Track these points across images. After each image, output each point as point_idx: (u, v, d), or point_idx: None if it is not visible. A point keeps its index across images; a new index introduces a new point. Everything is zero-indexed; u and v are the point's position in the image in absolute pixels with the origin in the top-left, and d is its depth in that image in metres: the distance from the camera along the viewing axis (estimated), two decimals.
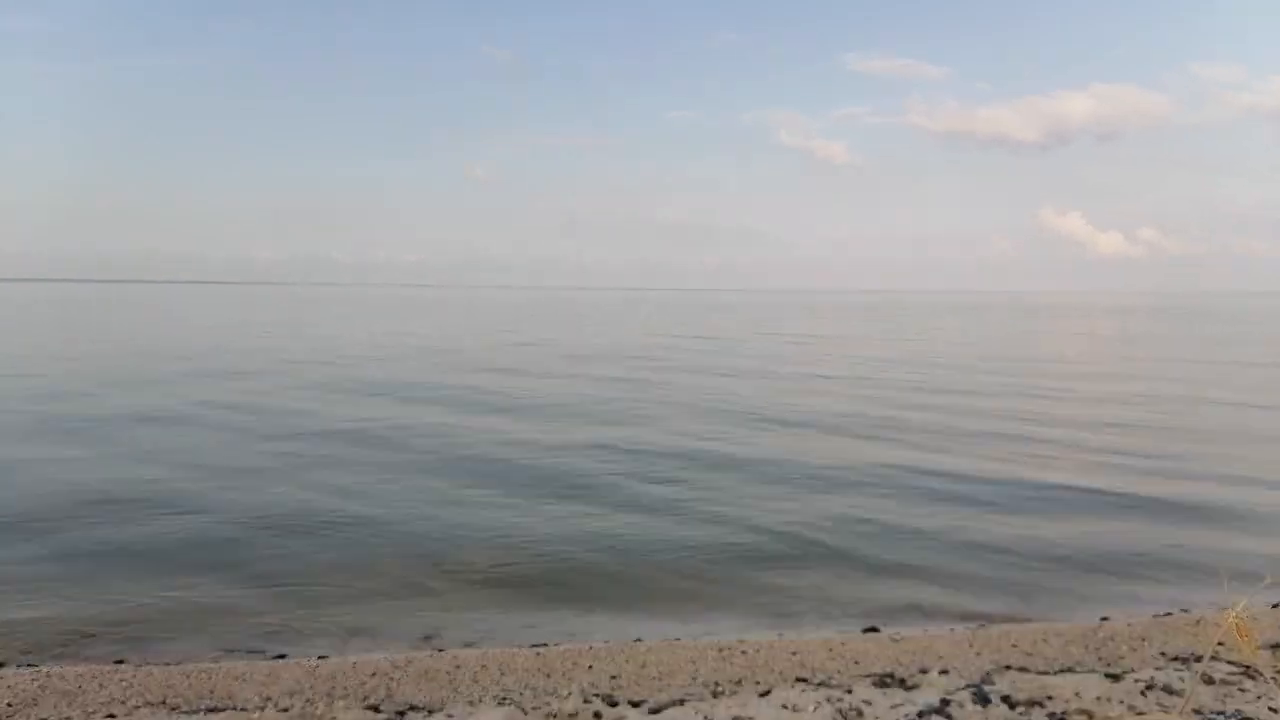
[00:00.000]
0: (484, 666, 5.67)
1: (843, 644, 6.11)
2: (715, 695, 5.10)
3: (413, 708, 4.94)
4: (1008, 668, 5.43)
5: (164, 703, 5.06)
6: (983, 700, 4.51)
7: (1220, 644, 5.16)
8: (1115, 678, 4.85)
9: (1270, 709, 4.25)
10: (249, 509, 9.77)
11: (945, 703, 4.48)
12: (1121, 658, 5.70)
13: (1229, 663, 4.96)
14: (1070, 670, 5.28)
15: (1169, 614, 6.78)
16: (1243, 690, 4.53)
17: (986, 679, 4.95)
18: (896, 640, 6.18)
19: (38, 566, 7.79)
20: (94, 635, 6.39)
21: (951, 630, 6.50)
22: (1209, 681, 4.65)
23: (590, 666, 5.66)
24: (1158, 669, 5.20)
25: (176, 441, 13.78)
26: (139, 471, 11.62)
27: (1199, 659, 5.48)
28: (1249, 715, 4.17)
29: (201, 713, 4.84)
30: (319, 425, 15.43)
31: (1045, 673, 5.19)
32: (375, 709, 4.83)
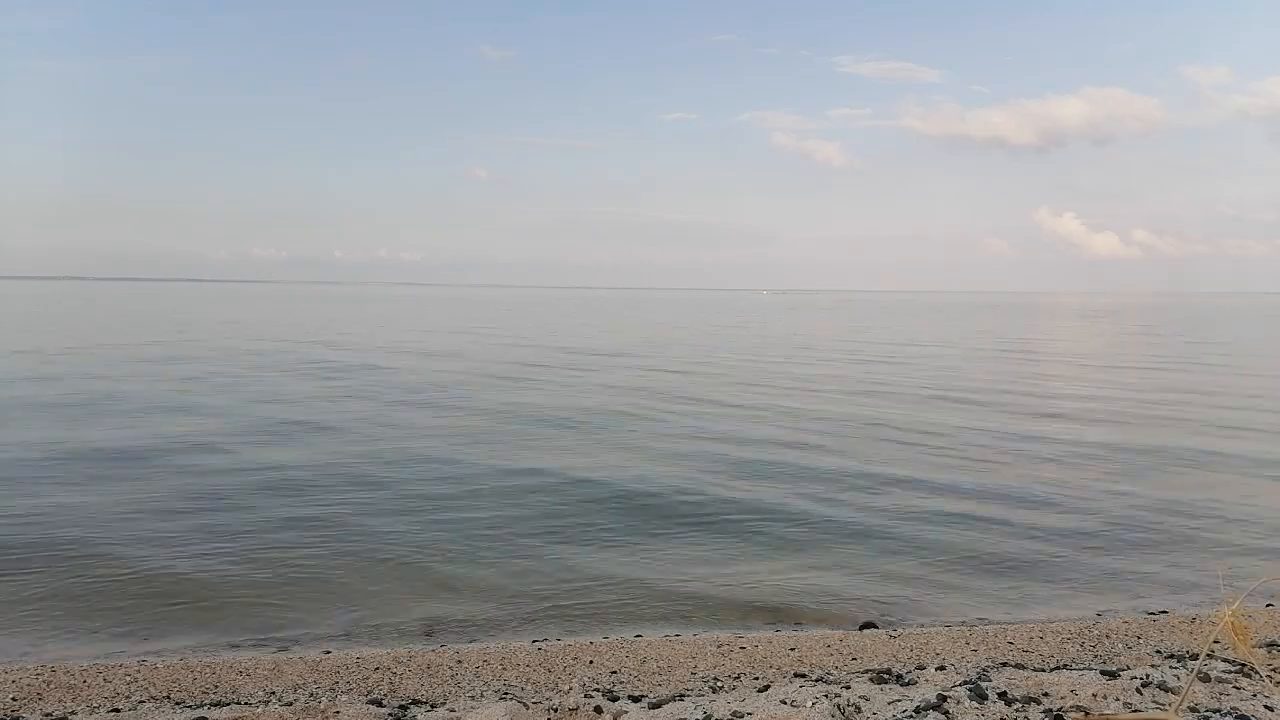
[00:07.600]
0: (486, 661, 5.71)
1: (841, 640, 6.15)
2: (714, 690, 5.14)
3: (415, 702, 4.96)
4: (1004, 664, 5.47)
5: (168, 697, 5.08)
6: (979, 696, 4.54)
7: (1216, 642, 5.20)
8: (1111, 675, 4.89)
9: (1266, 707, 4.30)
10: (249, 507, 9.79)
11: (942, 699, 4.50)
12: (1118, 655, 5.75)
13: (1225, 661, 5.00)
14: (1067, 667, 5.32)
15: (1164, 612, 6.83)
16: (1239, 688, 4.57)
17: (983, 675, 4.98)
18: (894, 637, 6.23)
19: (37, 563, 7.80)
20: (98, 629, 6.41)
21: (948, 627, 6.54)
22: (1205, 679, 4.69)
23: (591, 662, 5.70)
24: (1154, 666, 5.24)
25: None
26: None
27: (1195, 657, 5.53)
28: (1245, 713, 4.21)
29: (205, 707, 4.85)
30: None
31: (1041, 669, 5.23)
32: (378, 703, 4.85)
